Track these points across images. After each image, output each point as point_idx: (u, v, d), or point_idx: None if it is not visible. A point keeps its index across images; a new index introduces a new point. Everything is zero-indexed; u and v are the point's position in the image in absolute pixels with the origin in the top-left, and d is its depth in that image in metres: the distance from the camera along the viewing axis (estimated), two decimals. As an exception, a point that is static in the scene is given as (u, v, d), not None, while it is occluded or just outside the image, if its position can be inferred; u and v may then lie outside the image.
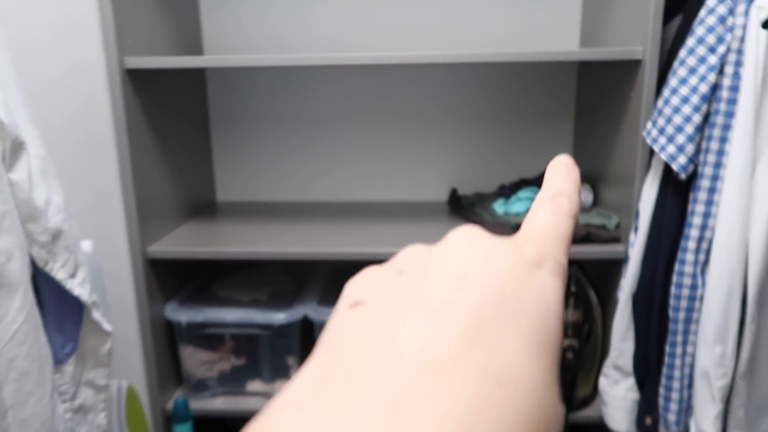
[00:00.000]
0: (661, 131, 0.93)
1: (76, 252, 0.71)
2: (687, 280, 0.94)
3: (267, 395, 1.23)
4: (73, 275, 0.71)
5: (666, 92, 0.92)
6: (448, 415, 0.14)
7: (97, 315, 0.75)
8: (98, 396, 0.79)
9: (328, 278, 1.35)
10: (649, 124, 0.96)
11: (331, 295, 1.25)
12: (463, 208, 1.31)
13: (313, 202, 1.48)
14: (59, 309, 0.70)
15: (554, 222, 0.21)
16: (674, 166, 0.91)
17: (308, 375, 0.16)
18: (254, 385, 1.25)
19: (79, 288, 0.71)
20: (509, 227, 1.10)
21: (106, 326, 0.77)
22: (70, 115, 1.22)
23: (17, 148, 0.62)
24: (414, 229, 1.24)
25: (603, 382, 1.10)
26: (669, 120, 0.91)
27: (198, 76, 1.40)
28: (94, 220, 1.28)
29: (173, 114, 1.25)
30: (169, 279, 1.23)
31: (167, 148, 1.22)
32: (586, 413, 1.17)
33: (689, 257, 0.93)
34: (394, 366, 0.15)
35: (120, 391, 0.98)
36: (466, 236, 0.20)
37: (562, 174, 0.23)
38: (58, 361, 0.71)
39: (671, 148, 0.91)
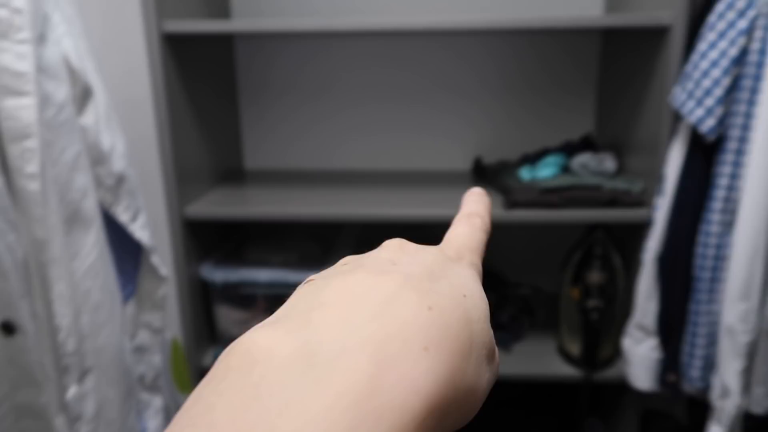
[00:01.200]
0: (690, 95, 0.95)
1: (136, 197, 0.75)
2: (713, 240, 0.97)
3: (297, 354, 1.27)
4: (134, 219, 0.74)
5: (695, 57, 0.95)
6: (407, 318, 0.19)
7: (154, 259, 0.79)
8: (154, 338, 0.83)
9: (355, 244, 1.38)
10: (676, 89, 0.98)
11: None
12: (487, 176, 1.34)
13: (338, 170, 1.51)
14: (120, 252, 0.73)
15: (470, 235, 0.27)
16: (702, 129, 0.94)
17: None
18: (285, 345, 1.29)
19: (139, 231, 0.75)
20: (537, 191, 1.13)
21: (163, 271, 0.80)
22: (109, 80, 1.25)
23: (86, 93, 0.66)
24: (438, 194, 1.27)
25: (627, 342, 1.14)
26: (698, 83, 0.94)
27: (227, 43, 1.43)
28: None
29: (204, 81, 1.28)
30: (204, 241, 1.27)
31: (199, 113, 1.25)
32: (608, 373, 1.20)
33: (715, 218, 0.96)
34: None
35: (165, 343, 1.02)
36: (398, 241, 0.26)
37: (475, 200, 0.30)
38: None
39: (699, 111, 0.94)
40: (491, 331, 0.23)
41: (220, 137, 1.39)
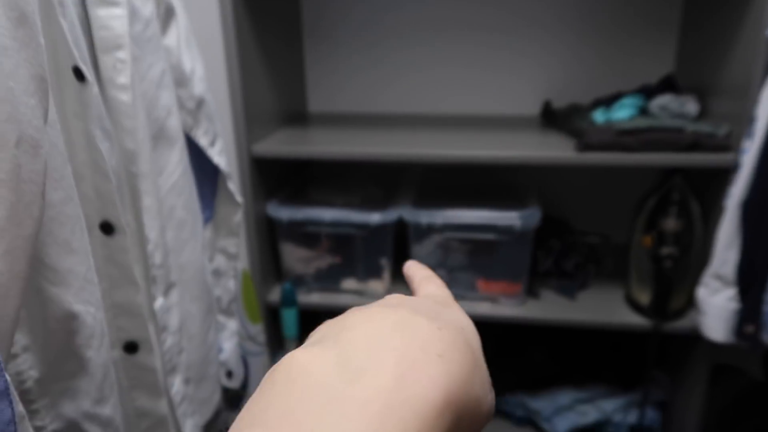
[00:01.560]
0: (794, 24, 0.88)
1: (214, 122, 0.76)
2: (807, 183, 0.91)
3: (360, 293, 1.29)
4: (212, 144, 0.75)
5: (803, -19, 0.87)
6: (422, 334, 0.23)
7: (231, 185, 0.80)
8: (230, 263, 0.85)
9: (419, 186, 1.37)
10: (779, 19, 0.91)
11: (423, 199, 1.28)
12: (558, 119, 1.30)
13: (403, 113, 1.49)
14: (199, 176, 0.75)
15: (442, 290, 0.33)
16: (806, 61, 0.87)
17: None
18: (348, 283, 1.30)
19: (217, 156, 0.76)
20: (612, 133, 1.08)
21: (239, 197, 0.82)
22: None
23: (169, 13, 0.66)
24: (504, 137, 1.24)
25: (702, 292, 1.09)
26: (804, 11, 0.86)
27: (295, -17, 1.41)
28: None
29: (271, 23, 1.28)
30: (270, 179, 1.29)
31: (266, 54, 1.25)
32: (678, 324, 1.17)
33: (812, 159, 0.90)
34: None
35: (237, 272, 1.05)
36: (398, 295, 0.29)
37: (417, 268, 0.36)
38: (198, 226, 0.77)
39: (804, 42, 0.86)
40: (486, 368, 0.26)
41: (285, 79, 1.38)
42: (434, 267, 1.27)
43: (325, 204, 1.28)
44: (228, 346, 0.87)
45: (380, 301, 0.27)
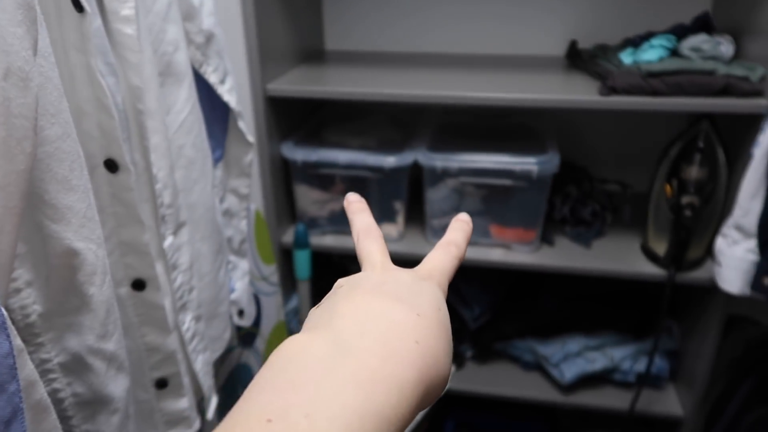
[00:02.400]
0: (843, -40, 0.82)
1: (224, 59, 0.74)
2: (841, 133, 0.87)
3: (374, 236, 1.29)
4: (222, 81, 0.74)
5: None
6: (402, 321, 0.27)
7: (242, 124, 0.79)
8: (241, 204, 0.85)
9: (436, 128, 1.35)
10: (827, -47, 0.84)
11: (439, 143, 1.25)
12: (583, 60, 1.25)
13: (422, 53, 1.44)
14: (209, 114, 0.73)
15: (443, 260, 0.35)
16: None
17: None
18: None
19: (227, 94, 0.75)
20: (639, 76, 1.04)
21: (250, 137, 0.80)
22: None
23: (176, -59, 0.63)
24: (527, 78, 1.19)
25: (720, 242, 1.07)
26: None
27: None
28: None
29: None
30: (285, 120, 1.27)
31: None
32: (695, 274, 1.16)
33: None
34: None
35: (249, 212, 1.05)
36: (379, 263, 0.34)
37: (457, 227, 0.38)
38: (209, 165, 0.76)
39: None
40: (451, 338, 0.30)
41: (301, 15, 1.34)
42: (448, 212, 1.26)
43: (341, 146, 1.26)
44: (239, 285, 0.88)
45: (362, 280, 0.31)
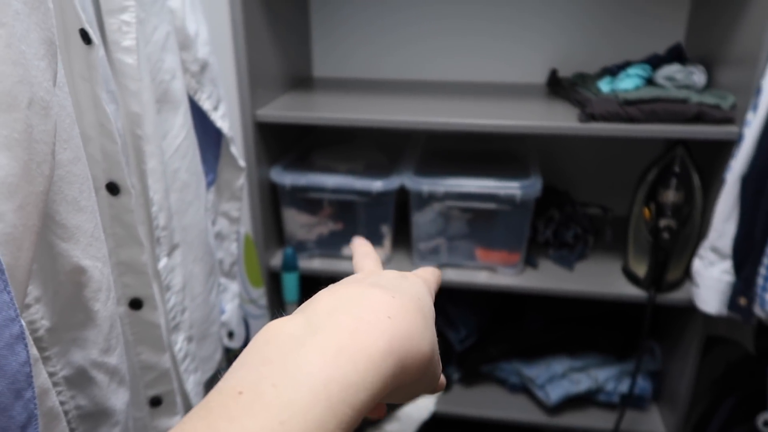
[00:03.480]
0: (803, -3, 0.87)
1: (218, 86, 0.76)
2: (808, 158, 0.91)
3: (361, 259, 1.31)
4: (216, 108, 0.76)
5: (815, -47, 0.86)
6: (377, 300, 0.29)
7: (234, 149, 0.81)
8: (232, 227, 0.87)
9: (422, 153, 1.38)
10: (789, -10, 0.90)
11: (425, 167, 1.29)
12: (564, 88, 1.29)
13: (408, 80, 1.48)
14: (202, 140, 0.75)
15: (426, 272, 0.38)
16: (813, 35, 0.86)
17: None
18: (349, 250, 1.32)
19: (220, 121, 0.77)
20: (617, 103, 1.08)
21: (241, 162, 0.83)
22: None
23: (173, -25, 0.66)
24: (509, 105, 1.23)
25: (697, 264, 1.11)
26: (814, -16, 0.85)
27: (301, -56, 1.39)
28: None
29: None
30: (273, 145, 1.30)
31: (271, 18, 1.24)
32: (674, 295, 1.19)
33: (814, 134, 0.90)
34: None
35: (239, 235, 1.06)
36: (369, 270, 0.36)
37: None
38: (201, 189, 0.78)
39: (812, 15, 0.86)
40: (435, 336, 0.31)
41: (290, 44, 1.38)
42: (434, 235, 1.28)
43: (329, 170, 1.29)
44: (230, 307, 0.89)
45: (349, 279, 0.33)
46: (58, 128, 0.36)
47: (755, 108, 0.98)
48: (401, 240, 1.34)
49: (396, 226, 1.32)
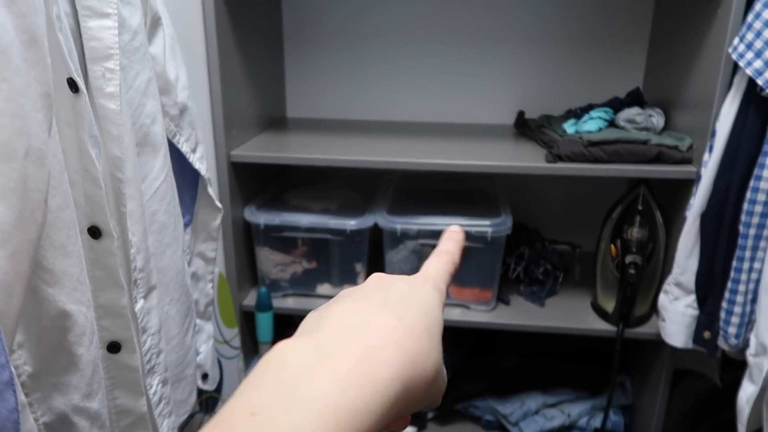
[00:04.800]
0: (749, 46, 0.93)
1: (196, 129, 0.77)
2: (761, 197, 0.96)
3: (335, 298, 1.31)
4: (194, 150, 0.77)
5: (757, 6, 0.92)
6: (383, 325, 0.29)
7: (211, 191, 0.82)
8: (207, 267, 0.87)
9: (395, 192, 1.40)
10: (735, 40, 0.96)
11: (398, 206, 1.31)
12: (531, 129, 1.34)
13: (381, 121, 1.52)
14: (180, 181, 0.76)
15: (437, 266, 0.38)
16: (759, 81, 0.92)
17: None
18: (323, 288, 1.32)
19: (198, 163, 0.78)
20: (581, 144, 1.13)
21: (218, 203, 0.83)
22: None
23: (156, 22, 0.68)
24: (479, 146, 1.27)
25: (663, 299, 1.14)
26: (758, 34, 0.92)
27: (276, -9, 1.43)
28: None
29: (251, 29, 1.30)
30: (248, 184, 1.30)
31: (247, 60, 1.27)
32: (642, 330, 1.22)
33: (766, 173, 0.95)
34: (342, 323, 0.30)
35: (214, 276, 1.06)
36: (378, 275, 0.36)
37: (449, 237, 0.41)
38: (178, 230, 0.78)
39: (758, 63, 0.92)
40: (441, 349, 0.32)
41: (265, 86, 1.40)
42: (408, 273, 1.29)
43: (303, 209, 1.30)
44: (204, 348, 0.88)
45: (360, 289, 0.34)
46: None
47: (710, 149, 1.04)
48: (375, 278, 1.35)
49: (370, 264, 1.33)
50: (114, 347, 0.58)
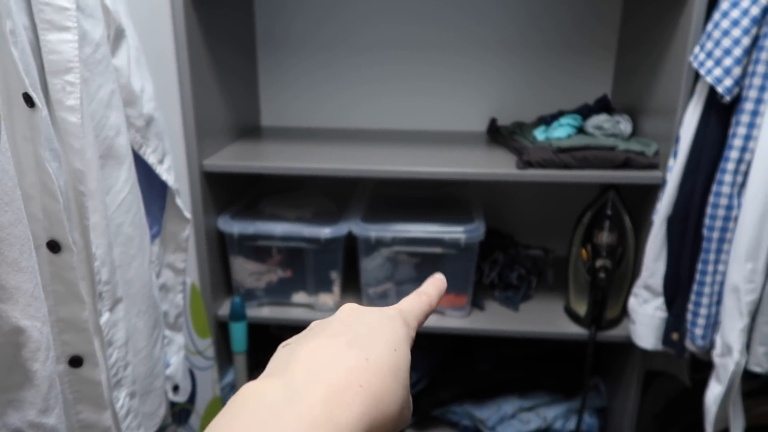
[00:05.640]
0: (709, 55, 0.96)
1: (163, 140, 0.77)
2: (723, 201, 0.99)
3: (310, 307, 1.31)
4: (161, 161, 0.77)
5: (716, 16, 0.95)
6: (351, 367, 0.30)
7: (179, 202, 0.82)
8: (177, 278, 0.86)
9: (370, 199, 1.41)
10: (696, 49, 0.99)
11: (373, 213, 1.31)
12: (503, 136, 1.36)
13: (354, 128, 1.53)
14: (147, 193, 0.76)
15: (412, 303, 0.39)
16: (719, 89, 0.95)
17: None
18: (299, 297, 1.32)
19: (166, 174, 0.78)
20: (550, 151, 1.14)
21: (187, 214, 0.83)
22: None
23: (119, 35, 0.67)
24: (452, 153, 1.29)
25: (632, 302, 1.16)
26: (717, 43, 0.94)
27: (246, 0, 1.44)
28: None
29: (224, 38, 1.30)
30: (221, 194, 1.30)
31: (219, 69, 1.27)
32: (614, 332, 1.23)
33: (727, 178, 0.98)
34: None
35: (185, 286, 1.05)
36: (350, 306, 0.36)
37: (430, 283, 0.42)
38: (146, 241, 0.78)
39: (718, 71, 0.94)
40: (408, 381, 0.33)
41: (238, 95, 1.40)
42: (383, 280, 1.30)
43: (277, 218, 1.30)
44: (175, 360, 0.88)
45: (331, 323, 0.34)
46: (0, 192, 0.37)
47: (675, 155, 1.06)
48: (351, 285, 1.36)
49: (345, 272, 1.34)
50: (76, 361, 0.57)
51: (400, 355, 0.33)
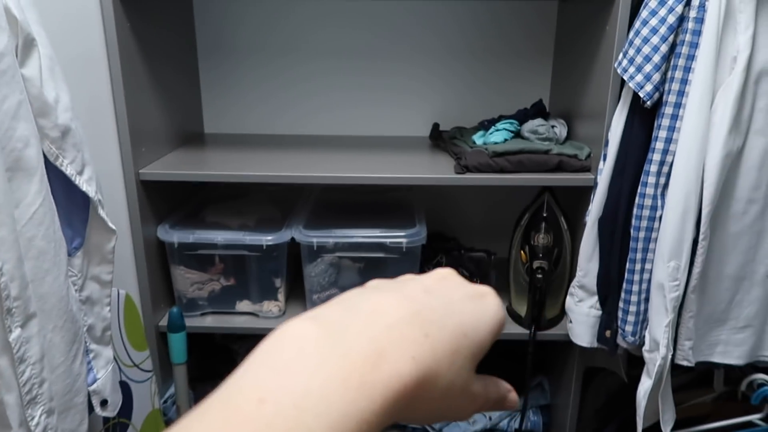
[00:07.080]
0: (631, 61, 0.99)
1: (83, 151, 0.76)
2: (648, 202, 1.02)
3: (254, 314, 1.30)
4: (80, 172, 0.75)
5: (637, 23, 0.98)
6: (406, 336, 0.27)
7: (102, 213, 0.80)
8: (103, 291, 0.85)
9: (313, 206, 1.41)
10: (620, 55, 1.02)
11: (316, 219, 1.31)
12: (444, 141, 1.37)
13: (298, 135, 1.52)
14: (67, 205, 0.74)
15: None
16: (641, 94, 0.98)
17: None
18: (243, 305, 1.31)
19: (86, 185, 0.76)
20: (487, 155, 1.16)
21: (111, 225, 0.82)
22: (60, 34, 1.22)
23: (29, 44, 0.66)
24: (396, 158, 1.30)
25: (569, 301, 1.19)
26: (638, 50, 0.97)
27: (185, 2, 1.42)
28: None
29: (162, 41, 1.28)
30: (161, 203, 1.28)
31: (156, 74, 1.25)
32: (554, 331, 1.26)
33: (651, 180, 1.01)
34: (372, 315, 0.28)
35: (119, 298, 1.03)
36: (446, 271, 0.34)
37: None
38: (67, 254, 0.76)
39: (639, 77, 0.98)
40: (471, 374, 0.31)
41: (178, 102, 1.38)
42: (327, 286, 1.30)
43: (220, 226, 1.29)
44: (102, 374, 0.86)
45: (411, 283, 0.32)
46: None
47: (605, 158, 1.09)
48: (296, 292, 1.35)
49: (291, 279, 1.33)
50: (-23, 381, 0.56)
51: (475, 340, 0.31)
